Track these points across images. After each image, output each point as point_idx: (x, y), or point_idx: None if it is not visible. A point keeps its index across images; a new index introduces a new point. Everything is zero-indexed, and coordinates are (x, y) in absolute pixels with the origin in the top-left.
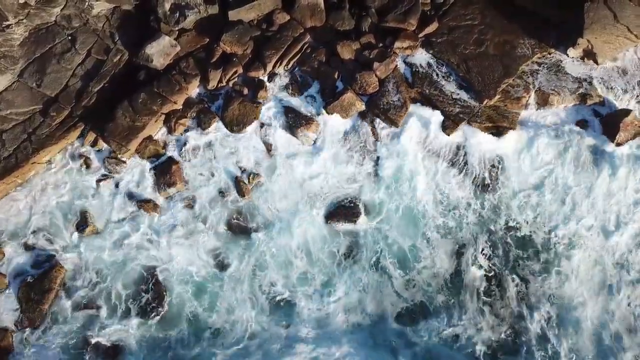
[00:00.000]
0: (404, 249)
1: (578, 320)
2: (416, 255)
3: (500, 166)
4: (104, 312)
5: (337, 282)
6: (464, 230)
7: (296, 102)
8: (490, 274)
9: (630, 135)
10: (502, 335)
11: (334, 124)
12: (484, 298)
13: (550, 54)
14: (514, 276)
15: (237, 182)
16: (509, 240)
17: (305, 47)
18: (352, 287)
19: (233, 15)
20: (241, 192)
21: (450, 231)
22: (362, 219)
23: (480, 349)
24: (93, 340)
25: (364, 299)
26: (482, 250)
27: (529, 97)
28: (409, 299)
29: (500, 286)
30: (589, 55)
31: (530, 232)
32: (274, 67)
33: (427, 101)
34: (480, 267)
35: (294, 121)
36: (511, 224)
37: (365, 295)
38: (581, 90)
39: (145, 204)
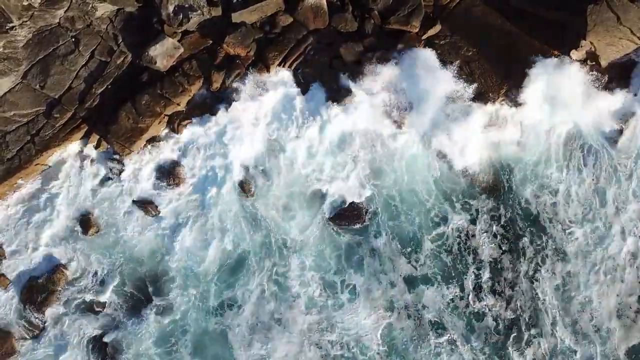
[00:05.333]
0: None
1: None
2: None
3: None
4: None
5: None
6: None
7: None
8: None
9: None
10: None
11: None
12: None
13: (553, 56)
14: None
15: (242, 182)
16: None
17: (308, 49)
18: None
19: (236, 17)
20: (245, 192)
21: None
22: None
23: None
24: None
25: None
26: None
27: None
28: None
29: None
30: (592, 57)
31: None
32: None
33: None
34: None
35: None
36: None
37: None
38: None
39: (148, 205)
